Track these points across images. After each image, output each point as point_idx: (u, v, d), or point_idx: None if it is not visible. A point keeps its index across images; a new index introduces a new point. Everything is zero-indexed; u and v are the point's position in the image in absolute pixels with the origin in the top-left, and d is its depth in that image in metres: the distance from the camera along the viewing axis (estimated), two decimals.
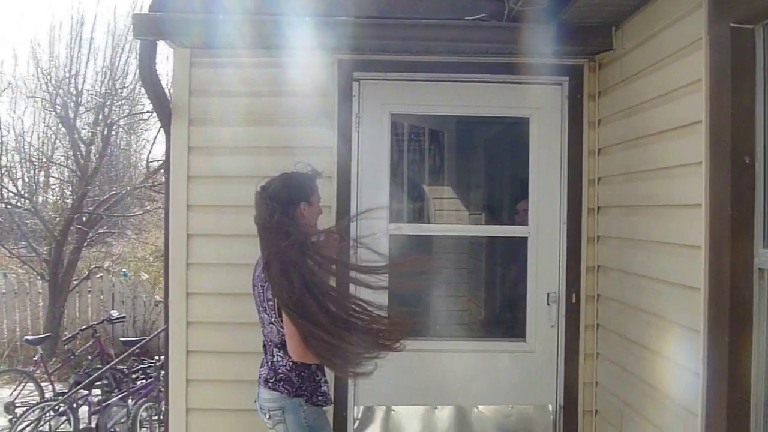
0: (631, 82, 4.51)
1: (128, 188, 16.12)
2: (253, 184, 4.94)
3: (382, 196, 5.08)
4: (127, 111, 16.65)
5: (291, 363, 3.83)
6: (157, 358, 9.71)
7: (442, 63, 5.00)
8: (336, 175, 5.04)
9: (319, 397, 3.90)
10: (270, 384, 3.88)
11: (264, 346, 4.05)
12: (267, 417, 3.90)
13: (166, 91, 5.18)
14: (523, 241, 5.16)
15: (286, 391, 3.84)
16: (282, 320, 3.77)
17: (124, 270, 17.07)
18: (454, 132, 5.49)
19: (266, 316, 3.89)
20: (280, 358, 3.87)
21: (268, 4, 4.71)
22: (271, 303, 3.81)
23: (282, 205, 3.90)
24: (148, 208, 17.08)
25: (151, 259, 18.42)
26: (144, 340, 9.92)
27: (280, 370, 3.87)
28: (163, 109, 5.07)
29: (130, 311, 14.25)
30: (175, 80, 5.12)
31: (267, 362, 3.98)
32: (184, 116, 5.05)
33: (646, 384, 4.23)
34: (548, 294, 5.08)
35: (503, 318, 6.95)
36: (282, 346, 3.85)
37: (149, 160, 17.10)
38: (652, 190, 4.19)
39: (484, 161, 7.05)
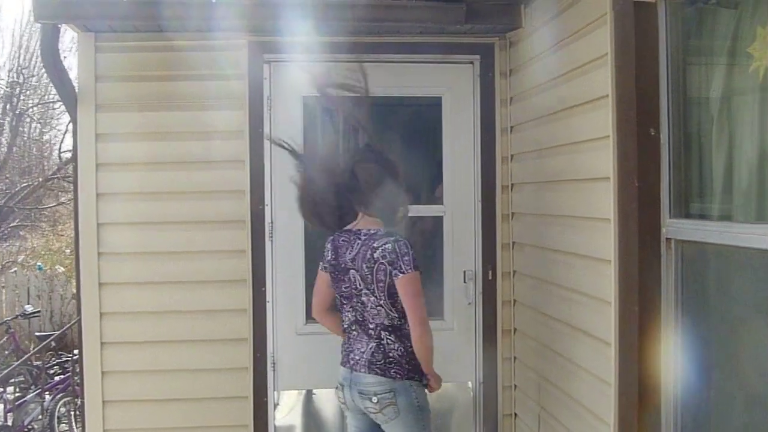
0: (541, 59, 4.55)
1: (41, 180, 15.72)
2: (163, 171, 4.87)
3: None
4: (38, 100, 16.23)
5: (403, 347, 3.77)
6: (75, 351, 9.50)
7: (354, 43, 4.95)
8: (248, 160, 4.97)
9: (423, 379, 3.85)
10: (377, 368, 3.75)
11: (355, 328, 3.89)
12: (372, 401, 3.75)
13: (73, 76, 5.05)
14: (440, 220, 5.17)
15: (398, 374, 3.74)
16: (390, 302, 3.74)
17: (39, 264, 16.65)
18: (367, 112, 5.46)
19: (373, 298, 3.75)
20: (390, 342, 3.77)
21: None
22: (381, 284, 3.72)
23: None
24: (62, 199, 16.70)
25: (68, 251, 17.98)
26: (56, 334, 9.69)
27: (390, 354, 3.76)
28: (69, 96, 4.94)
29: (46, 305, 13.89)
30: (81, 66, 4.98)
31: (368, 346, 3.81)
32: (91, 102, 4.92)
33: (562, 357, 4.29)
34: (465, 272, 5.11)
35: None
36: (393, 329, 3.78)
37: (62, 150, 16.71)
38: (562, 165, 4.24)
39: (400, 142, 7.03)
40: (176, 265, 4.96)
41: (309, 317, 5.05)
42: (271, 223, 5.00)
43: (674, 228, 3.26)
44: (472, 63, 5.14)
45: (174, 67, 4.96)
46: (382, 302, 3.75)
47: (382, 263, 3.70)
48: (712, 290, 3.22)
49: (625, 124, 3.44)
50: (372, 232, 3.81)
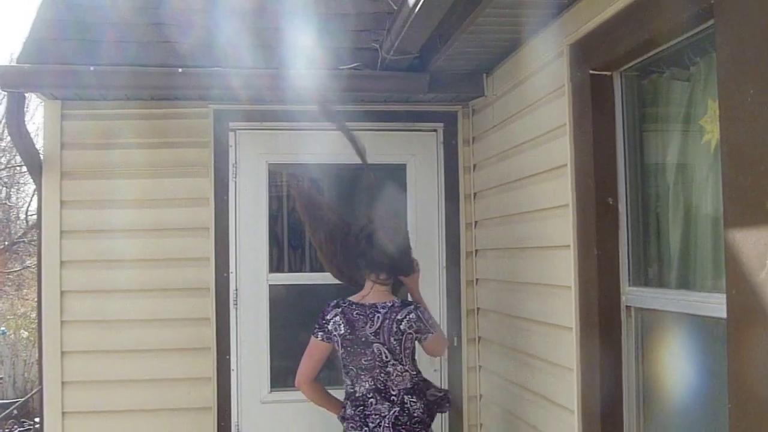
0: (503, 127, 4.62)
1: (6, 243, 15.56)
2: (128, 238, 4.86)
3: (262, 247, 5.05)
4: (5, 163, 16.15)
5: (423, 404, 3.89)
6: (37, 419, 9.33)
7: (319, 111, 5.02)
8: (213, 227, 4.98)
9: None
10: (404, 428, 3.83)
11: (373, 396, 3.88)
12: None
13: (38, 143, 5.05)
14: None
15: (423, 429, 3.90)
16: (412, 363, 3.92)
17: (2, 328, 16.40)
18: (334, 179, 5.50)
19: (400, 367, 3.84)
20: (413, 403, 3.87)
21: (140, 55, 4.67)
22: (408, 351, 3.86)
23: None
24: (27, 263, 16.51)
25: (32, 316, 17.75)
26: (18, 402, 9.52)
27: (415, 414, 3.86)
28: (34, 163, 4.95)
29: (9, 371, 13.66)
30: (47, 133, 4.99)
31: (391, 411, 3.85)
32: (56, 170, 4.92)
33: (526, 424, 4.29)
34: None
35: None
36: (414, 390, 3.89)
37: (29, 213, 16.56)
38: (524, 232, 4.29)
39: (365, 207, 7.06)
40: (141, 333, 4.92)
41: (274, 385, 5.02)
42: (236, 290, 4.99)
43: (633, 296, 3.31)
44: (435, 130, 5.22)
45: (140, 135, 4.99)
46: (407, 367, 3.87)
47: (409, 333, 3.83)
48: (671, 357, 3.25)
49: (584, 193, 3.51)
50: (389, 304, 3.88)
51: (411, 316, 3.82)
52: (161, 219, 4.95)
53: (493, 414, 4.89)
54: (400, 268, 4.03)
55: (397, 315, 3.82)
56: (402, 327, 3.80)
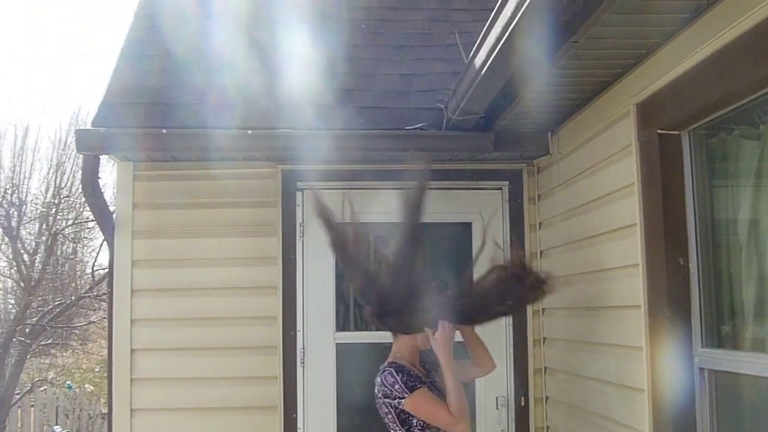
0: (569, 185, 4.62)
1: (73, 298, 15.84)
2: (197, 297, 4.94)
3: (328, 305, 5.09)
4: (73, 219, 16.50)
5: None
6: None
7: (385, 171, 5.06)
8: (281, 286, 5.03)
9: None
10: None
11: None
12: None
13: (110, 203, 5.18)
14: None
15: None
16: (406, 428, 3.70)
17: (68, 382, 16.64)
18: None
19: (391, 431, 3.79)
20: None
21: (209, 117, 4.77)
22: (390, 416, 3.72)
23: None
24: (93, 318, 16.76)
25: (97, 370, 18.00)
26: None
27: None
28: (106, 223, 5.07)
29: (74, 425, 13.84)
30: (119, 193, 5.14)
31: None
32: (128, 229, 5.03)
33: None
34: (497, 398, 5.07)
35: None
36: None
37: (95, 268, 16.84)
38: (593, 291, 4.26)
39: (431, 265, 7.06)
40: (208, 391, 4.96)
41: None
42: (303, 348, 5.02)
43: (706, 357, 3.26)
44: (501, 189, 5.23)
45: (209, 195, 5.09)
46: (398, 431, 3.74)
47: (379, 398, 3.75)
48: (747, 421, 3.19)
49: (654, 253, 3.48)
50: (381, 367, 3.82)
51: (378, 381, 3.76)
52: (230, 278, 5.02)
53: None
54: (388, 324, 3.90)
55: (377, 378, 3.78)
56: (376, 391, 3.76)
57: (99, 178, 5.01)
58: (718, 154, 3.38)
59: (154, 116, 4.87)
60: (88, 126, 4.92)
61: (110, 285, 5.12)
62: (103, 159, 5.24)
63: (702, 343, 3.30)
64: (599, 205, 4.16)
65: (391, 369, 3.74)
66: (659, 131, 3.45)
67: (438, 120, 4.82)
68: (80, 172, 5.64)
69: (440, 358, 3.79)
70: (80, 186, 14.68)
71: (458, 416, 3.66)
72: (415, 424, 3.70)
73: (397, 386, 3.68)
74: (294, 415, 4.98)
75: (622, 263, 3.84)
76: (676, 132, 3.42)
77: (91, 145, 4.79)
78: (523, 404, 5.08)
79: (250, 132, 4.70)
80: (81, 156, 5.17)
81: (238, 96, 5.00)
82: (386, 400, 3.71)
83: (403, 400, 3.66)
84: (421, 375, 3.83)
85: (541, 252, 5.14)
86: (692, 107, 3.17)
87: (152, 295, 5.03)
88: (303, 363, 5.03)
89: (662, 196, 3.43)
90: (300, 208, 5.12)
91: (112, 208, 5.23)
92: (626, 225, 3.78)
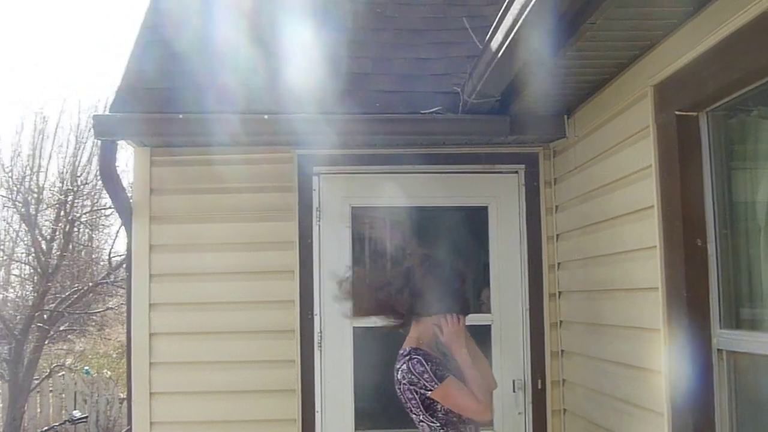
0: (585, 168, 4.61)
1: (90, 284, 15.93)
2: (215, 281, 4.97)
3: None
4: (90, 207, 16.58)
5: None
6: None
7: (401, 155, 5.09)
8: (298, 270, 5.05)
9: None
10: None
11: None
12: None
13: (128, 189, 5.20)
14: (487, 329, 5.16)
15: None
16: (429, 413, 3.69)
17: (86, 367, 16.76)
18: (415, 221, 5.54)
19: (413, 416, 3.77)
20: None
21: (226, 102, 4.78)
22: (414, 402, 3.69)
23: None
24: (110, 304, 16.87)
25: (114, 355, 18.13)
26: None
27: None
28: (124, 208, 5.09)
29: (92, 410, 13.94)
30: (136, 179, 5.15)
31: None
32: (146, 214, 5.06)
33: None
34: (514, 381, 5.08)
35: None
36: None
37: (111, 255, 16.93)
38: (609, 274, 4.25)
39: (446, 249, 7.08)
40: (226, 375, 4.99)
41: (358, 427, 5.04)
42: (320, 332, 5.04)
43: (725, 339, 3.25)
44: (517, 172, 5.22)
45: (226, 180, 5.10)
46: (422, 417, 3.73)
47: (404, 384, 3.70)
48: (766, 402, 3.18)
49: (672, 235, 3.47)
50: (401, 351, 3.81)
51: (403, 368, 3.70)
52: (247, 262, 5.05)
53: None
54: (393, 311, 3.88)
55: (397, 364, 3.75)
56: (398, 377, 3.72)
57: (117, 164, 5.02)
58: (737, 136, 3.37)
59: (171, 101, 4.89)
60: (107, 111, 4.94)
61: (128, 270, 5.15)
62: (121, 147, 5.24)
63: (720, 325, 3.29)
64: (616, 188, 4.15)
65: (419, 357, 3.71)
66: (677, 112, 3.43)
67: (454, 104, 4.82)
68: (97, 158, 5.66)
69: (451, 348, 3.80)
70: (97, 173, 14.78)
71: (485, 406, 3.68)
72: (439, 410, 3.70)
73: (426, 375, 3.65)
74: (312, 398, 5.01)
75: (640, 246, 3.83)
76: (694, 113, 3.40)
77: (108, 131, 4.82)
78: (540, 387, 5.09)
79: (266, 116, 4.71)
80: (99, 143, 5.19)
81: (255, 80, 5.02)
82: (413, 387, 3.68)
83: (431, 390, 3.65)
84: (442, 360, 3.83)
85: (557, 236, 5.14)
86: (710, 88, 3.16)
87: (170, 280, 5.06)
88: (320, 346, 5.05)
89: (680, 177, 3.42)
90: (316, 192, 5.14)
91: (129, 195, 5.25)
92: (643, 207, 3.77)
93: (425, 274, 3.83)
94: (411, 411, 3.75)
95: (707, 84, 3.16)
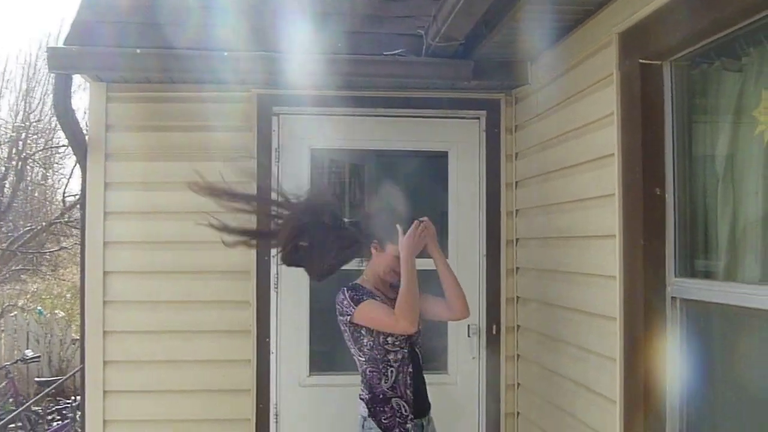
0: (547, 115, 4.60)
1: (44, 224, 15.73)
2: (171, 220, 4.90)
3: None
4: (43, 144, 16.30)
5: (367, 398, 3.81)
6: (73, 398, 9.46)
7: (362, 97, 5.03)
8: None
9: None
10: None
11: None
12: None
13: (83, 125, 5.10)
14: None
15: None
16: (357, 347, 3.80)
17: (39, 308, 16.60)
18: (375, 166, 5.52)
19: (352, 352, 3.88)
20: (360, 391, 3.88)
21: (184, 38, 4.68)
22: (346, 334, 3.83)
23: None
24: (64, 244, 16.69)
25: (68, 296, 17.95)
26: (59, 381, 9.64)
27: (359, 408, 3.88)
28: (79, 145, 4.99)
29: (45, 350, 13.84)
30: (92, 115, 5.05)
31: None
32: (101, 151, 4.97)
33: (565, 413, 4.28)
34: (469, 326, 5.11)
35: (426, 350, 6.93)
36: (362, 380, 3.85)
37: (65, 194, 16.71)
38: (568, 222, 4.27)
39: (405, 195, 7.05)
40: (181, 315, 4.97)
41: (313, 369, 5.06)
42: (277, 274, 5.02)
43: (679, 287, 3.29)
44: (478, 118, 5.20)
45: (183, 118, 5.02)
46: (353, 350, 3.84)
47: (338, 319, 3.84)
48: (717, 350, 3.24)
49: (631, 183, 3.48)
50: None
51: (336, 301, 3.83)
52: (203, 201, 4.96)
53: (531, 403, 4.88)
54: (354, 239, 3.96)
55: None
56: (336, 309, 3.84)
57: (71, 98, 4.90)
58: (699, 86, 3.36)
59: (129, 35, 4.77)
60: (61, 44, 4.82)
61: (83, 207, 5.07)
62: (75, 83, 5.12)
63: (675, 273, 3.33)
64: (577, 135, 4.14)
65: (344, 288, 3.83)
66: (641, 61, 3.42)
67: (418, 47, 4.75)
68: (51, 95, 5.53)
69: (401, 254, 3.76)
70: (51, 110, 14.47)
71: (398, 314, 3.68)
72: (365, 344, 3.78)
73: (345, 302, 3.78)
74: (267, 340, 5.00)
75: (599, 193, 3.84)
76: (658, 62, 3.39)
77: (62, 64, 4.70)
78: (495, 332, 5.13)
79: (226, 53, 4.62)
80: (52, 79, 5.06)
81: (215, 17, 4.91)
82: (340, 317, 3.82)
83: (350, 315, 3.75)
84: (379, 296, 3.86)
85: (516, 183, 5.14)
86: (675, 37, 3.15)
87: (125, 218, 4.99)
88: (277, 288, 5.03)
89: (641, 126, 3.42)
90: (275, 133, 5.07)
91: (84, 131, 5.14)
92: (604, 155, 3.77)
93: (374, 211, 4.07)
94: (350, 348, 3.85)
95: (673, 32, 3.15)
